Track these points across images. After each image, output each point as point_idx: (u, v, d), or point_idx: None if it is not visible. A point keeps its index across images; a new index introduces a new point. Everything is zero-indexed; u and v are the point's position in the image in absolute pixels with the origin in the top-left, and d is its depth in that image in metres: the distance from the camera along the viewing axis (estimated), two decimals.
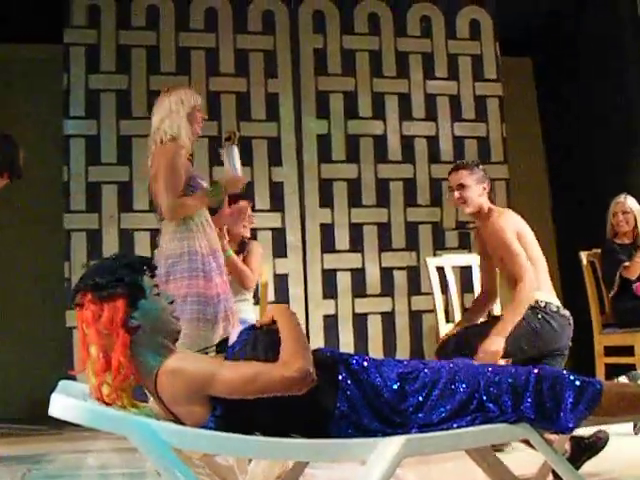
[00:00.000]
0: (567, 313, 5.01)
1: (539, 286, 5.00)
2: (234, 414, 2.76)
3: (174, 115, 4.95)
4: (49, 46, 8.30)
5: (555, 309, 4.97)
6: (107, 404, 2.74)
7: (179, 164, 4.79)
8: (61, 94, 7.89)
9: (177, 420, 2.80)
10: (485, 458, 3.48)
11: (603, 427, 4.11)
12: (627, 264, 6.78)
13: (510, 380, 2.82)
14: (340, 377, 2.86)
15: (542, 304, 4.95)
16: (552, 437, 3.31)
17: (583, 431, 4.20)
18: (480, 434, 2.81)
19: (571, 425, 2.78)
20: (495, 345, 4.79)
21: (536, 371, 2.85)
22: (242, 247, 6.36)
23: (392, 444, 2.70)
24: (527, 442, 3.08)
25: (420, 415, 2.81)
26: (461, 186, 5.23)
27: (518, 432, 2.85)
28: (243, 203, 6.29)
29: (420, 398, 2.83)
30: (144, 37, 8.09)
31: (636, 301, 6.61)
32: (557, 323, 4.95)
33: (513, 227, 5.11)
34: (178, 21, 8.17)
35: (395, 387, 2.84)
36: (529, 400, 2.79)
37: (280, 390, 2.72)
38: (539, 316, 4.92)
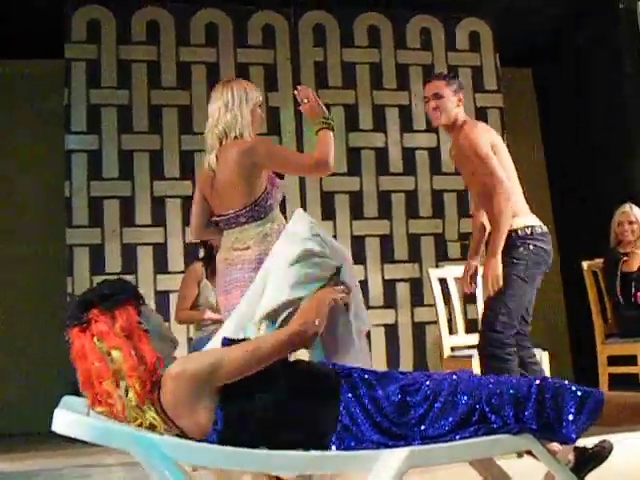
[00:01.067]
0: (546, 228, 5.03)
1: (516, 211, 4.94)
2: (235, 426, 2.76)
3: (237, 109, 4.43)
4: (50, 61, 8.34)
5: (540, 230, 4.97)
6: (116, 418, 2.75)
7: None
8: (62, 109, 7.90)
9: (182, 434, 2.79)
10: (488, 469, 3.47)
11: (607, 436, 4.10)
12: (626, 258, 6.79)
13: (512, 391, 2.81)
14: (342, 390, 2.85)
15: (528, 231, 4.93)
16: (555, 447, 3.31)
17: (587, 441, 4.21)
18: (483, 445, 2.80)
19: (573, 436, 2.77)
20: (493, 268, 4.81)
21: (538, 382, 2.83)
22: None
23: (396, 456, 2.70)
24: (530, 452, 3.08)
25: (422, 427, 2.80)
26: (436, 95, 5.09)
27: (521, 443, 2.84)
28: None
29: (422, 410, 2.82)
30: (145, 52, 8.11)
31: (639, 310, 6.60)
32: (546, 243, 4.97)
33: (488, 138, 5.03)
34: (179, 36, 8.19)
35: (396, 399, 2.83)
36: (530, 410, 2.77)
37: (286, 346, 2.82)
38: (531, 246, 4.91)
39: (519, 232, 4.91)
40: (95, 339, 2.84)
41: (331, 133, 4.39)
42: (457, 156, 5.25)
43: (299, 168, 4.70)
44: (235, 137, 4.36)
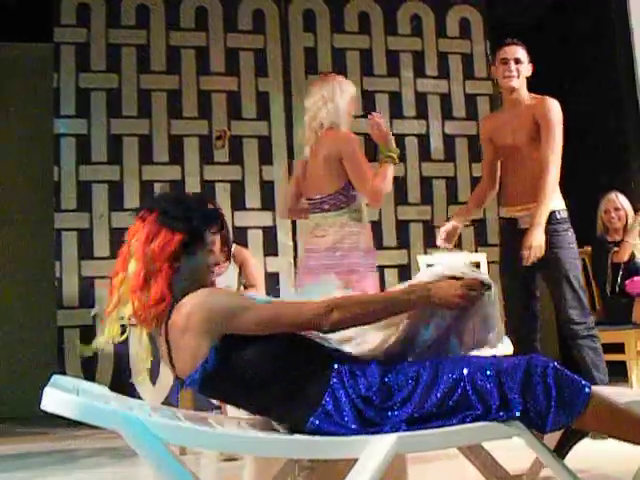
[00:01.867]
0: None
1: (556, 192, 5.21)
2: (224, 371, 2.75)
3: (335, 103, 4.82)
4: (39, 45, 8.30)
5: (566, 214, 5.25)
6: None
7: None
8: (51, 93, 7.87)
9: (171, 361, 2.84)
10: (478, 456, 3.48)
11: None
12: (616, 249, 6.81)
13: (496, 370, 2.78)
14: (332, 374, 2.82)
15: (565, 214, 5.25)
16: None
17: None
18: (472, 432, 2.79)
19: (547, 429, 2.76)
20: (537, 239, 4.94)
21: (525, 363, 2.80)
22: (227, 249, 6.25)
23: (383, 441, 2.70)
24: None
25: (407, 409, 2.77)
26: (517, 60, 5.30)
27: (510, 430, 2.83)
28: None
29: (405, 392, 2.79)
30: (134, 36, 8.08)
31: (627, 299, 6.62)
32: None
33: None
34: (168, 20, 8.16)
35: (377, 387, 2.79)
36: (516, 395, 2.75)
37: (306, 320, 2.76)
38: (566, 225, 5.21)
39: (561, 212, 5.20)
40: (134, 238, 2.94)
41: (392, 167, 4.73)
42: (498, 128, 5.40)
43: (360, 181, 4.70)
44: (330, 127, 4.77)
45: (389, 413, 2.76)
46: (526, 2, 8.82)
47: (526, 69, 5.33)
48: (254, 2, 8.41)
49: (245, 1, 8.39)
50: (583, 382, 2.79)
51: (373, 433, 2.72)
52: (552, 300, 5.31)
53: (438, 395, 2.75)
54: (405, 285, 2.96)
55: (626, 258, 6.77)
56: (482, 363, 2.81)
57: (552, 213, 5.13)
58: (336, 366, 2.83)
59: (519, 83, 5.31)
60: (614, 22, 8.62)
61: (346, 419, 2.75)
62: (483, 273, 3.03)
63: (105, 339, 2.95)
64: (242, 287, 6.21)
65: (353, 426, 2.74)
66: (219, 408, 5.84)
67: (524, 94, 5.37)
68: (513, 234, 5.23)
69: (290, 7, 8.50)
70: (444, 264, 3.00)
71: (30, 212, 8.38)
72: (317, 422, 2.76)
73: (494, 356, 2.93)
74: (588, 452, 4.28)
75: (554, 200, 5.17)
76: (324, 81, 4.92)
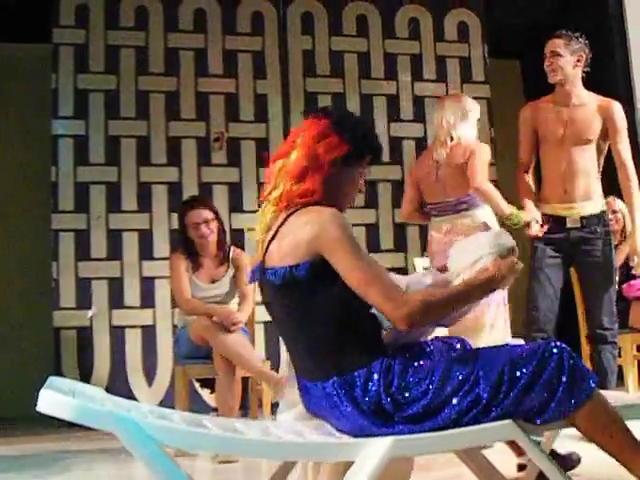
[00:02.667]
0: None
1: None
2: (305, 284, 2.82)
3: (467, 120, 5.46)
4: (37, 45, 8.30)
5: None
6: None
7: None
8: (49, 93, 7.87)
9: (268, 245, 2.95)
10: (474, 459, 3.49)
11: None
12: None
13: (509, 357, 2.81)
14: (376, 359, 2.84)
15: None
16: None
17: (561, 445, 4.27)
18: (468, 435, 2.80)
19: (538, 421, 2.80)
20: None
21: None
22: (225, 252, 6.23)
23: (380, 444, 2.71)
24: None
25: (422, 403, 2.78)
26: (554, 53, 5.20)
27: (506, 433, 2.85)
28: (194, 213, 6.14)
29: (423, 387, 2.80)
30: (133, 37, 8.09)
31: (623, 302, 6.62)
32: None
33: None
34: (167, 22, 8.17)
35: (404, 387, 2.82)
36: (516, 391, 2.77)
37: (382, 309, 2.78)
38: (608, 229, 5.26)
39: (608, 213, 5.30)
40: (305, 132, 3.03)
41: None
42: (575, 113, 5.24)
43: (474, 176, 5.23)
44: (459, 138, 5.36)
45: (405, 407, 2.78)
46: (524, 5, 8.83)
47: (569, 62, 5.19)
48: (252, 4, 8.42)
49: (243, 3, 8.40)
50: (591, 374, 2.83)
51: (378, 425, 2.77)
52: (583, 301, 5.47)
53: (449, 389, 2.77)
54: (458, 274, 3.04)
55: (621, 262, 6.77)
56: (491, 355, 2.86)
57: (602, 214, 5.19)
58: (384, 356, 2.85)
59: (563, 75, 5.20)
60: (611, 25, 8.64)
61: (362, 399, 2.78)
62: (504, 239, 3.07)
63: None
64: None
65: (365, 407, 2.78)
66: (215, 410, 5.85)
67: (578, 89, 5.27)
68: (557, 232, 5.16)
69: (288, 10, 8.51)
70: (483, 241, 3.06)
71: (27, 213, 8.37)
72: (336, 386, 2.81)
73: (508, 344, 2.98)
74: (582, 455, 4.30)
75: (603, 200, 5.25)
76: (460, 98, 5.62)
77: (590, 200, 5.16)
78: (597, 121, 5.17)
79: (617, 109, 5.20)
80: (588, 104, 5.23)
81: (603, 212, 5.21)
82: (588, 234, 5.14)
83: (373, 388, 2.78)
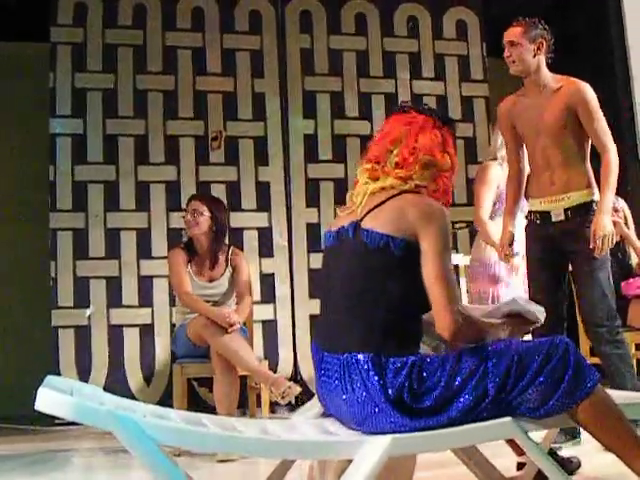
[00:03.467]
0: None
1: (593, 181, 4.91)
2: (395, 259, 2.95)
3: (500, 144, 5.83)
4: (35, 44, 8.27)
5: None
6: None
7: None
8: (47, 92, 7.85)
9: (369, 211, 3.09)
10: (472, 457, 3.49)
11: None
12: None
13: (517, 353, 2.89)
14: (413, 355, 2.94)
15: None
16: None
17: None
18: (467, 433, 2.81)
19: (540, 413, 2.85)
20: (607, 227, 4.67)
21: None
22: (225, 251, 6.23)
23: (378, 443, 2.71)
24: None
25: (433, 396, 2.84)
26: (512, 43, 4.95)
27: (505, 432, 2.86)
28: (190, 203, 6.18)
29: (434, 379, 2.86)
30: (131, 36, 8.06)
31: (622, 301, 6.60)
32: None
33: None
34: (165, 20, 8.15)
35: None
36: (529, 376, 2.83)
37: (439, 309, 2.90)
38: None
39: (596, 204, 4.83)
40: (441, 136, 3.26)
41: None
42: (545, 102, 4.94)
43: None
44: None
45: (421, 399, 2.84)
46: (522, 3, 8.82)
47: (529, 51, 4.91)
48: (250, 3, 8.40)
49: (241, 2, 8.38)
50: (593, 369, 2.89)
51: (388, 414, 2.83)
52: (577, 299, 5.10)
53: (459, 380, 2.85)
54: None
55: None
56: (498, 350, 2.91)
57: (592, 202, 4.82)
58: (416, 355, 2.95)
59: (524, 65, 4.92)
60: (610, 22, 8.64)
61: (390, 383, 2.85)
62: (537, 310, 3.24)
63: None
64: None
65: (390, 391, 2.84)
66: (212, 409, 5.84)
67: (545, 77, 4.96)
68: (544, 228, 4.92)
69: (287, 8, 8.49)
70: (517, 304, 3.22)
71: (25, 212, 8.34)
72: (370, 363, 2.87)
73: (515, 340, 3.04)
74: (580, 454, 4.30)
75: (593, 190, 4.85)
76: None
77: (575, 190, 4.83)
78: (569, 106, 4.85)
79: (584, 89, 4.86)
80: (558, 90, 4.91)
81: (593, 202, 4.82)
82: (575, 226, 4.81)
83: (400, 379, 2.84)
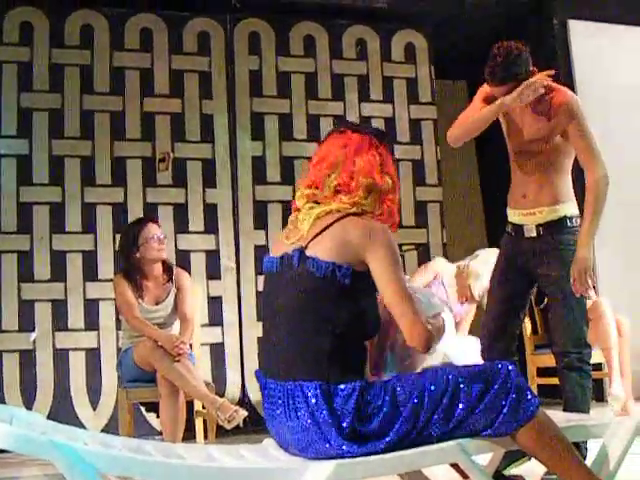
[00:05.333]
0: None
1: (571, 195, 4.64)
2: (342, 286, 2.94)
3: None
4: None
5: (578, 223, 4.58)
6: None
7: None
8: None
9: (313, 238, 3.05)
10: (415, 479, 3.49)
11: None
12: None
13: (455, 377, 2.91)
14: (361, 380, 2.93)
15: (577, 222, 4.58)
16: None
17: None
18: (411, 458, 2.82)
19: (491, 432, 2.88)
20: (585, 261, 4.35)
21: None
22: (169, 272, 6.23)
23: (322, 468, 2.69)
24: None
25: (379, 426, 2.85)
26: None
27: (448, 455, 2.86)
28: (150, 227, 6.17)
29: (381, 415, 2.85)
30: (78, 56, 7.97)
31: None
32: None
33: None
34: (112, 40, 8.08)
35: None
36: (464, 406, 2.82)
37: (408, 327, 2.92)
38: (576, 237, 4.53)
39: (573, 221, 4.59)
40: (378, 156, 3.20)
41: None
42: (528, 112, 4.69)
43: None
44: None
45: (365, 424, 2.85)
46: (471, 26, 8.88)
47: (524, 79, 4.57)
48: (199, 24, 8.37)
49: (190, 23, 8.35)
50: (534, 394, 2.91)
51: (335, 441, 2.81)
52: (549, 323, 4.77)
53: (401, 404, 2.86)
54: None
55: None
56: (439, 373, 2.93)
57: (565, 218, 4.57)
58: (363, 379, 2.94)
59: (529, 101, 4.58)
60: (556, 50, 8.73)
61: (340, 410, 2.84)
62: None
63: None
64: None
65: (341, 419, 2.84)
66: (160, 434, 5.79)
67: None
68: (517, 243, 4.70)
69: (235, 29, 8.47)
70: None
71: None
72: (318, 391, 2.85)
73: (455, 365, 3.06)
74: (525, 473, 4.32)
75: (570, 205, 4.60)
76: None
77: (547, 205, 4.57)
78: (554, 119, 4.59)
79: (572, 102, 4.58)
80: (543, 104, 4.64)
81: (566, 218, 4.57)
82: (546, 247, 4.57)
83: (349, 406, 2.83)
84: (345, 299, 2.93)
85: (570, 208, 4.60)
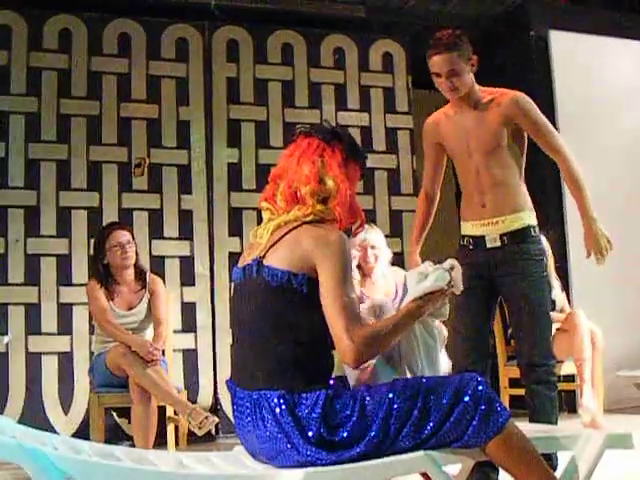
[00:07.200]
0: None
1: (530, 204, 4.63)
2: (299, 295, 2.94)
3: None
4: None
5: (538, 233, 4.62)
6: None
7: None
8: None
9: (270, 247, 3.07)
10: None
11: None
12: None
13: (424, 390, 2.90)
14: (327, 387, 2.94)
15: (537, 229, 4.62)
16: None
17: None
18: (380, 467, 2.81)
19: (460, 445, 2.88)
20: (599, 231, 4.40)
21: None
22: (142, 277, 6.24)
23: (291, 477, 2.70)
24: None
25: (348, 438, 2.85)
26: (453, 73, 4.51)
27: (418, 465, 2.86)
28: (115, 233, 6.19)
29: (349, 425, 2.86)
30: (56, 60, 7.96)
31: None
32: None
33: None
34: (90, 45, 8.06)
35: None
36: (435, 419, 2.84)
37: (338, 337, 2.88)
38: (540, 247, 4.60)
39: (536, 230, 4.60)
40: (320, 161, 3.15)
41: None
42: (478, 119, 4.60)
43: None
44: None
45: (335, 432, 2.85)
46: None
47: (467, 71, 4.52)
48: (178, 30, 8.37)
49: (169, 29, 8.35)
50: (504, 406, 2.90)
51: (302, 449, 2.82)
52: (513, 332, 4.75)
53: (370, 414, 2.86)
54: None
55: None
56: (408, 384, 2.92)
57: (527, 229, 4.52)
58: (328, 387, 2.94)
59: (467, 88, 4.55)
60: (534, 61, 8.77)
61: (305, 420, 2.84)
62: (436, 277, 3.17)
63: None
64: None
65: (306, 428, 2.83)
66: (130, 439, 5.78)
67: (476, 91, 4.64)
68: (476, 254, 4.62)
69: (214, 36, 8.47)
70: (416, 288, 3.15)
71: None
72: (282, 401, 2.85)
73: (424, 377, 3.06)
74: None
75: (530, 213, 4.59)
76: None
77: (512, 214, 4.52)
78: (507, 120, 4.54)
79: (522, 101, 4.55)
80: (490, 104, 4.59)
81: (530, 227, 4.54)
82: (510, 257, 4.49)
83: (315, 414, 2.83)
84: (306, 307, 2.94)
85: (532, 218, 4.60)
